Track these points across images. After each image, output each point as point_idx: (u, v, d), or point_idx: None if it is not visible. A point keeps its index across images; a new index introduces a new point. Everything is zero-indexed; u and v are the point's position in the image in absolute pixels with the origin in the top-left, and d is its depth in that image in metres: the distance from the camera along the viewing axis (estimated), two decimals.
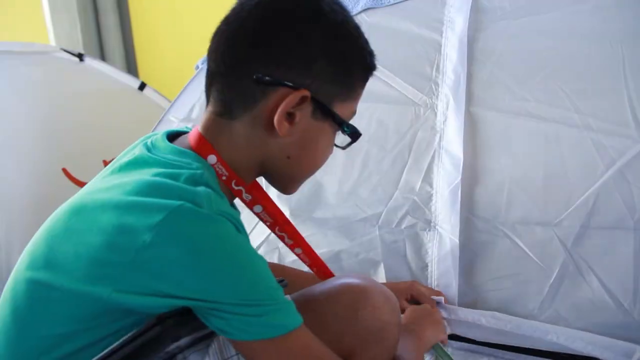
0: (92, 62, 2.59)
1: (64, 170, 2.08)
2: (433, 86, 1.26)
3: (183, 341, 0.78)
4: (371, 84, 1.18)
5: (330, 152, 0.87)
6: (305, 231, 1.18)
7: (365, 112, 1.27)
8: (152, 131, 1.51)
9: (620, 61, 1.09)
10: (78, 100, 2.35)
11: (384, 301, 0.88)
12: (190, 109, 1.52)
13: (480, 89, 1.21)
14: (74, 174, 2.11)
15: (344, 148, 0.87)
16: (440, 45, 1.29)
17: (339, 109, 0.82)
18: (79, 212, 0.76)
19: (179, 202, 0.68)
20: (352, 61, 0.83)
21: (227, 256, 0.70)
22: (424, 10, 1.34)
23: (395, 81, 1.30)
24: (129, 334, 0.74)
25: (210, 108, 0.83)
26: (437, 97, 1.25)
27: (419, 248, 1.20)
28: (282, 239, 0.96)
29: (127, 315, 0.73)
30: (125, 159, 0.83)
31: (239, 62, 0.79)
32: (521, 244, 1.10)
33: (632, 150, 1.04)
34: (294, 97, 0.77)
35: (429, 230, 1.20)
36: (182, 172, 0.74)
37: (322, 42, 0.79)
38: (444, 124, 1.22)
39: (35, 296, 0.76)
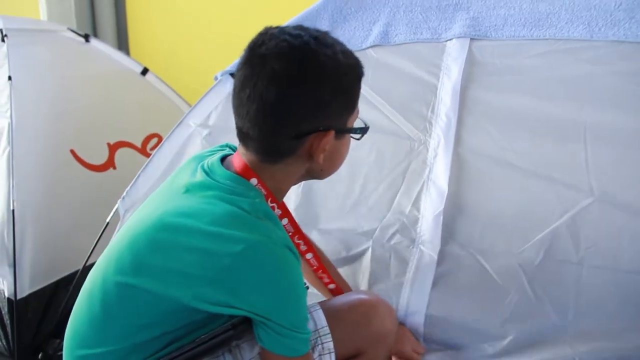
0: (96, 44, 2.74)
1: (72, 151, 2.27)
2: (427, 125, 1.52)
3: (231, 332, 1.03)
4: (375, 118, 1.45)
5: (348, 148, 1.12)
6: (311, 239, 1.44)
7: (367, 142, 1.50)
8: (171, 132, 1.74)
9: (582, 127, 1.37)
10: (83, 82, 2.51)
11: (389, 314, 1.17)
12: (207, 115, 1.73)
13: (467, 133, 1.47)
14: (79, 154, 2.30)
15: (359, 139, 1.12)
16: (437, 89, 1.54)
17: (350, 122, 1.08)
18: (164, 229, 0.99)
19: (255, 237, 0.92)
20: (350, 84, 1.06)
21: (287, 288, 0.95)
22: (425, 54, 1.59)
23: (395, 117, 1.55)
24: (209, 333, 1.00)
25: (250, 155, 1.05)
26: (430, 135, 1.51)
27: (402, 261, 1.47)
28: (298, 246, 1.22)
29: (196, 313, 0.98)
30: (192, 180, 1.06)
31: (271, 131, 1.01)
32: (487, 267, 1.37)
33: (583, 202, 1.33)
34: (328, 139, 1.01)
35: (413, 247, 1.46)
36: (244, 200, 0.98)
37: (330, 89, 1.01)
38: (434, 159, 1.48)
39: (125, 295, 1.01)
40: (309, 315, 1.10)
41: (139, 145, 2.47)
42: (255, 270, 0.92)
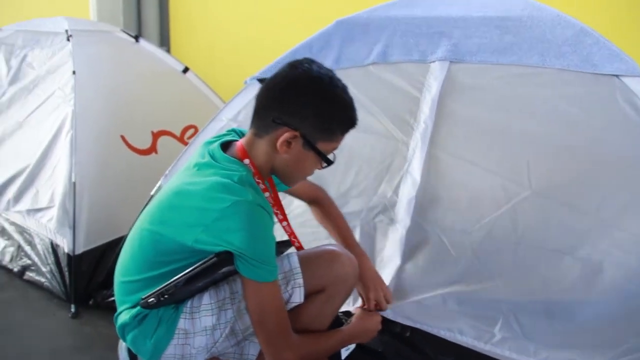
0: (145, 44, 3.25)
1: (122, 137, 2.77)
2: (409, 129, 1.97)
3: (228, 269, 1.47)
4: (370, 121, 1.89)
5: (314, 168, 1.51)
6: (310, 215, 1.90)
7: (363, 139, 1.97)
8: (207, 125, 2.21)
9: (527, 136, 1.82)
10: (133, 77, 3.02)
11: (349, 262, 1.61)
12: (237, 112, 2.20)
13: (439, 136, 1.92)
14: (128, 140, 2.80)
15: (322, 168, 1.50)
16: (419, 101, 1.99)
17: (321, 146, 1.46)
18: (178, 194, 1.46)
19: (237, 198, 1.36)
20: (334, 119, 1.45)
21: (258, 233, 1.39)
22: (413, 72, 2.04)
23: (385, 121, 2.00)
24: (201, 261, 1.45)
25: (251, 129, 1.51)
26: (411, 138, 1.96)
27: (383, 236, 1.92)
28: (276, 215, 1.64)
29: (198, 254, 1.43)
30: (198, 161, 1.51)
31: (267, 108, 1.46)
32: (446, 242, 1.83)
33: (523, 194, 1.78)
34: (289, 134, 1.42)
35: (391, 225, 1.92)
36: (235, 174, 1.42)
37: (314, 104, 1.42)
38: (412, 156, 1.93)
39: (152, 238, 1.48)
40: (287, 259, 1.55)
41: (178, 134, 2.97)
42: (236, 220, 1.35)
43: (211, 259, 1.43)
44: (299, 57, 2.12)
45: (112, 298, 2.33)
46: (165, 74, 3.16)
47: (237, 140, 1.55)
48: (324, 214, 1.83)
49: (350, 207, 1.97)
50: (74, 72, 2.74)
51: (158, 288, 1.45)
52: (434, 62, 2.02)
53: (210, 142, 1.56)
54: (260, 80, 2.19)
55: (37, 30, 3.19)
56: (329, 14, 3.15)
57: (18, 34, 3.23)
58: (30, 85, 2.97)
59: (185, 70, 3.21)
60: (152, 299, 1.46)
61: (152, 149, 2.84)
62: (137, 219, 1.61)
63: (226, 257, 1.41)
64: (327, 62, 2.12)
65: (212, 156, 1.49)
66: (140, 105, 2.92)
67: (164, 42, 4.66)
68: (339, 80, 1.46)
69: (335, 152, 1.51)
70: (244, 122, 2.17)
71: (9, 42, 3.21)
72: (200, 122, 3.04)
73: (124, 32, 3.24)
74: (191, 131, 3.00)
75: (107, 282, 2.44)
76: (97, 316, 2.40)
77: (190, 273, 1.44)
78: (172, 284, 1.45)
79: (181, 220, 1.42)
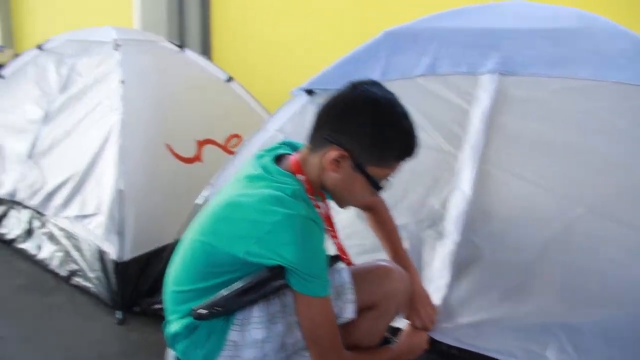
0: (189, 53, 3.30)
1: (167, 145, 2.81)
2: (458, 142, 1.95)
3: (280, 283, 1.48)
4: (421, 134, 1.86)
5: (366, 193, 1.48)
6: (361, 226, 1.90)
7: None
8: (253, 135, 2.23)
9: (582, 152, 1.79)
10: (178, 86, 3.07)
11: (400, 278, 1.60)
12: (283, 123, 2.21)
13: (491, 151, 1.90)
14: (173, 148, 2.84)
15: (373, 195, 1.49)
16: (469, 114, 1.97)
17: (372, 170, 1.43)
18: (230, 206, 1.46)
19: (289, 212, 1.37)
20: (388, 144, 1.42)
21: (310, 247, 1.39)
22: (462, 85, 2.02)
23: (434, 134, 1.99)
24: (253, 275, 1.46)
25: (307, 144, 1.51)
26: (460, 151, 1.94)
27: (431, 250, 1.91)
28: (327, 231, 1.64)
29: (249, 266, 1.44)
30: (249, 173, 1.51)
31: (322, 124, 1.45)
32: (497, 258, 1.79)
33: (577, 211, 1.74)
34: (338, 153, 1.41)
35: (439, 240, 1.90)
36: (288, 187, 1.43)
37: (368, 126, 1.40)
38: (461, 169, 1.91)
39: (204, 249, 1.49)
40: (338, 274, 1.55)
41: (222, 143, 3.00)
42: (288, 234, 1.36)
43: (264, 273, 1.43)
44: (347, 68, 2.18)
45: (158, 305, 2.39)
46: (209, 83, 3.21)
47: (290, 154, 1.56)
48: (379, 222, 1.83)
49: (397, 220, 1.96)
50: (122, 81, 2.79)
51: (210, 300, 1.47)
52: (483, 74, 2.00)
53: (262, 155, 1.56)
54: (308, 92, 2.20)
55: (86, 39, 3.27)
56: (373, 25, 3.16)
57: (68, 43, 3.32)
58: (79, 93, 3.04)
59: (229, 79, 3.24)
60: (203, 311, 1.47)
61: (197, 158, 2.88)
62: (187, 228, 1.63)
63: (279, 271, 1.41)
64: (374, 73, 2.12)
65: (264, 169, 1.50)
66: (185, 113, 2.96)
67: (206, 51, 4.73)
68: (401, 105, 1.43)
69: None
70: (291, 132, 2.19)
71: (59, 51, 3.30)
72: (244, 131, 3.07)
73: (170, 41, 3.30)
74: (235, 140, 3.03)
75: (153, 290, 2.48)
76: (142, 323, 2.44)
77: (242, 287, 1.45)
78: (224, 297, 1.46)
79: (233, 232, 1.43)
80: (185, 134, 2.90)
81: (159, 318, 2.39)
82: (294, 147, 1.60)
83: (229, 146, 3.01)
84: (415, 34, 2.17)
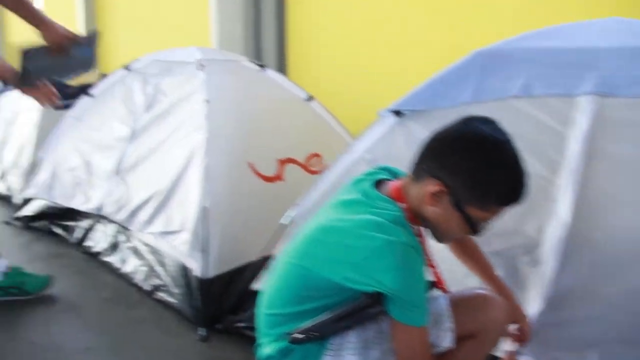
0: (270, 72, 3.35)
1: (250, 164, 2.85)
2: (555, 166, 1.89)
3: (378, 310, 1.46)
4: None
5: (462, 232, 1.45)
6: (445, 254, 1.85)
7: None
8: (337, 157, 2.23)
9: None
10: (260, 105, 3.11)
11: (501, 308, 1.56)
12: (371, 144, 2.19)
13: (591, 175, 1.82)
14: (256, 167, 2.87)
15: (471, 234, 1.46)
16: (566, 138, 1.90)
17: (472, 211, 1.40)
18: (326, 231, 1.46)
19: (389, 238, 1.35)
20: (491, 187, 1.38)
21: (410, 275, 1.37)
22: (558, 107, 1.96)
23: (530, 158, 1.91)
24: (352, 303, 1.44)
25: (410, 173, 1.49)
26: (556, 175, 1.87)
27: (526, 278, 1.85)
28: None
29: (345, 291, 1.43)
30: (347, 197, 1.51)
31: (426, 156, 1.44)
32: (599, 290, 1.72)
33: None
34: (437, 188, 1.39)
35: (535, 267, 1.84)
36: (388, 213, 1.41)
37: (472, 165, 1.37)
38: (559, 195, 1.84)
39: (299, 273, 1.49)
40: (436, 301, 1.52)
41: (303, 162, 3.02)
42: (388, 260, 1.34)
43: (363, 300, 1.42)
44: (436, 89, 2.16)
45: (241, 324, 2.41)
46: (289, 102, 3.24)
47: (389, 180, 1.55)
48: (465, 249, 1.78)
49: (490, 246, 1.91)
50: (206, 101, 2.85)
51: (306, 325, 1.46)
52: (580, 96, 1.93)
53: (361, 180, 1.55)
54: (396, 113, 2.18)
55: (171, 60, 3.37)
56: (457, 46, 3.12)
57: (153, 63, 3.43)
58: (163, 112, 3.13)
59: (309, 98, 3.26)
60: (299, 335, 1.46)
61: (278, 177, 2.91)
62: (278, 249, 1.63)
63: (377, 298, 1.39)
64: (465, 94, 2.08)
65: (364, 193, 1.48)
66: (267, 132, 3.00)
67: (281, 70, 4.79)
68: (512, 149, 1.39)
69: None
70: (379, 154, 2.17)
71: (144, 71, 3.41)
72: (324, 150, 3.09)
73: (251, 61, 3.35)
74: (315, 159, 3.05)
75: (236, 307, 2.51)
76: (225, 341, 2.46)
77: (340, 313, 1.44)
78: (320, 322, 1.45)
79: (330, 257, 1.43)
80: (267, 152, 2.93)
81: (241, 336, 2.43)
82: (393, 174, 1.59)
83: (310, 165, 3.02)
84: (508, 54, 2.12)
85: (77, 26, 8.20)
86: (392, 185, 1.51)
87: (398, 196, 1.47)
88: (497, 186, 1.38)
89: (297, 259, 1.50)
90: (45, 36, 2.38)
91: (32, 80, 2.43)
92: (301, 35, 4.69)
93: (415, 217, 1.47)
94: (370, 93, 4.06)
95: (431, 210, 1.43)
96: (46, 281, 2.86)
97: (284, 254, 1.60)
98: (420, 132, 2.13)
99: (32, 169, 4.02)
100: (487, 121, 1.42)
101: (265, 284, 1.64)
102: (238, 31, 4.81)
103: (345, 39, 4.29)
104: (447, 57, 3.21)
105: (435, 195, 1.40)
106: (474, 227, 1.43)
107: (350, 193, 1.52)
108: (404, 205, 1.46)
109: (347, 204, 1.49)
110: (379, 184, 1.53)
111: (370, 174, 1.58)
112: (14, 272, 2.80)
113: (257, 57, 4.78)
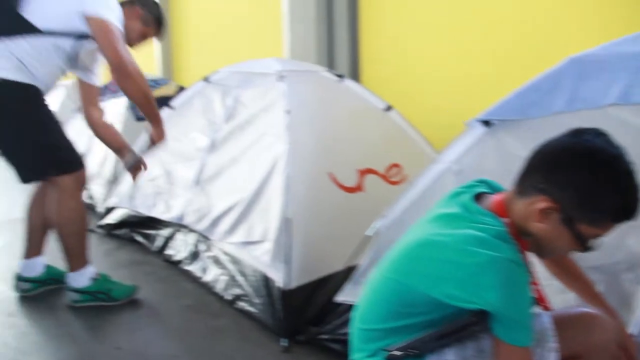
0: (348, 82, 3.35)
1: (330, 174, 2.85)
2: None
3: (481, 328, 1.41)
4: None
5: (570, 249, 1.40)
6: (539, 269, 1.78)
7: None
8: (419, 168, 2.19)
9: None
10: (339, 115, 3.11)
11: (610, 329, 1.48)
12: (460, 155, 2.14)
13: None
14: (336, 177, 2.87)
15: (580, 251, 1.39)
16: None
17: (583, 228, 1.33)
18: (426, 245, 1.42)
19: (494, 254, 1.30)
20: (604, 203, 1.30)
21: (516, 293, 1.31)
22: None
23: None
24: (456, 320, 1.40)
25: (514, 186, 1.44)
26: None
27: (630, 296, 1.76)
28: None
29: (445, 308, 1.38)
30: (446, 211, 1.47)
31: (533, 170, 1.38)
32: None
33: None
34: (547, 205, 1.33)
35: (638, 284, 1.75)
36: (491, 228, 1.36)
37: (584, 180, 1.30)
38: None
39: (397, 289, 1.45)
40: (538, 319, 1.45)
41: (382, 172, 2.99)
42: (494, 277, 1.28)
43: (466, 318, 1.38)
44: (529, 97, 2.09)
45: (323, 335, 2.40)
46: (368, 112, 3.23)
47: (489, 193, 1.50)
48: (562, 265, 1.71)
49: (588, 261, 1.83)
50: (287, 111, 2.87)
51: (405, 342, 1.43)
52: None
53: (459, 192, 1.52)
54: (485, 122, 2.13)
55: (250, 71, 3.42)
56: (543, 51, 3.03)
57: (232, 75, 3.49)
58: (243, 123, 3.18)
59: (388, 108, 3.24)
60: (397, 352, 1.44)
61: (359, 187, 2.89)
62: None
63: (481, 316, 1.35)
64: (558, 102, 2.01)
65: (464, 207, 1.45)
66: (346, 143, 2.99)
67: (355, 80, 4.78)
68: (626, 162, 1.32)
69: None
70: (467, 165, 2.13)
71: (224, 83, 3.48)
72: (404, 161, 3.06)
73: (329, 71, 3.36)
74: (395, 169, 3.02)
75: (318, 318, 2.50)
76: (307, 353, 2.45)
77: (442, 331, 1.40)
78: (420, 340, 1.42)
79: (431, 273, 1.39)
80: (347, 163, 2.92)
81: (323, 348, 2.42)
82: (492, 187, 1.54)
83: (389, 176, 2.99)
84: (603, 60, 2.04)
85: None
86: (494, 199, 1.46)
87: (500, 211, 1.42)
88: (610, 202, 1.31)
89: (395, 273, 1.48)
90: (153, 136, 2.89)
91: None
92: (374, 44, 4.67)
93: (518, 233, 1.42)
94: (449, 102, 4.00)
95: (539, 227, 1.38)
96: (132, 290, 2.95)
97: (379, 268, 1.58)
98: (511, 143, 2.08)
99: (115, 179, 4.18)
100: (598, 133, 1.36)
101: (359, 299, 1.62)
102: (311, 41, 4.83)
103: (421, 46, 4.23)
104: (532, 65, 3.14)
105: (543, 212, 1.35)
106: (584, 244, 1.36)
107: (449, 206, 1.48)
108: (506, 220, 1.41)
109: (447, 218, 1.45)
110: (478, 197, 1.49)
111: (468, 186, 1.54)
112: (101, 279, 2.89)
113: (330, 67, 4.79)
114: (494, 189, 1.53)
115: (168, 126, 3.74)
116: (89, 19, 2.53)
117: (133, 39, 2.90)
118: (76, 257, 2.83)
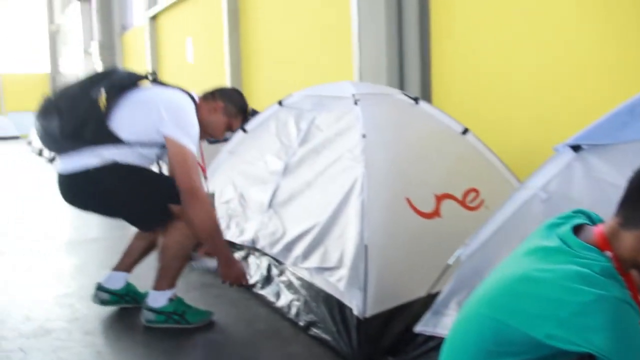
0: (424, 105, 3.29)
1: (407, 199, 2.79)
2: None
3: None
4: None
5: None
6: None
7: None
8: (506, 194, 2.10)
9: None
10: (415, 138, 3.05)
11: None
12: (547, 181, 2.05)
13: None
14: (413, 202, 2.80)
15: None
16: None
17: None
18: (525, 281, 1.34)
19: (601, 292, 1.21)
20: None
21: (626, 336, 1.21)
22: None
23: None
24: None
25: (617, 217, 1.36)
26: None
27: None
28: None
29: (545, 348, 1.30)
30: (544, 244, 1.39)
31: (636, 202, 1.31)
32: None
33: None
34: None
35: None
36: (595, 264, 1.28)
37: None
38: None
39: (493, 326, 1.38)
40: None
41: (460, 197, 2.91)
42: (600, 318, 1.20)
43: None
44: (622, 119, 1.98)
45: None
46: (445, 135, 3.15)
47: (588, 224, 1.42)
48: None
49: None
50: (363, 135, 2.85)
51: None
52: None
53: (556, 224, 1.44)
54: (574, 147, 2.03)
55: (324, 94, 3.42)
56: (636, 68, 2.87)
57: (306, 98, 3.50)
58: (318, 146, 3.17)
59: (465, 131, 3.16)
60: None
61: (436, 213, 2.81)
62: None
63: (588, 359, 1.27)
64: None
65: (563, 240, 1.37)
66: (423, 167, 2.93)
67: (425, 99, 4.72)
68: None
69: None
70: (555, 192, 2.04)
71: (298, 106, 3.49)
72: (482, 186, 2.96)
73: (404, 94, 3.32)
74: (473, 194, 2.93)
75: (395, 348, 2.43)
76: None
77: None
78: None
79: (531, 311, 1.31)
80: (424, 187, 2.85)
81: None
82: (591, 218, 1.45)
83: (467, 201, 2.90)
84: None
85: (224, 66, 8.67)
86: (596, 231, 1.38)
87: (604, 244, 1.34)
88: None
89: (490, 309, 1.41)
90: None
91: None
92: (447, 65, 4.58)
93: (624, 268, 1.33)
94: (528, 126, 3.86)
95: None
96: (207, 316, 2.99)
97: (470, 303, 1.51)
98: (603, 170, 1.98)
99: None
100: None
101: (448, 333, 1.56)
102: (382, 63, 4.80)
103: (496, 66, 4.11)
104: (620, 84, 2.98)
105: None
106: None
107: (546, 239, 1.41)
108: (610, 254, 1.32)
109: (545, 252, 1.38)
110: (577, 229, 1.41)
111: (566, 217, 1.46)
112: (177, 301, 2.93)
113: (401, 89, 4.75)
114: (593, 220, 1.44)
115: (241, 149, 3.83)
116: (166, 139, 2.71)
117: (218, 133, 3.04)
118: (168, 279, 2.90)
